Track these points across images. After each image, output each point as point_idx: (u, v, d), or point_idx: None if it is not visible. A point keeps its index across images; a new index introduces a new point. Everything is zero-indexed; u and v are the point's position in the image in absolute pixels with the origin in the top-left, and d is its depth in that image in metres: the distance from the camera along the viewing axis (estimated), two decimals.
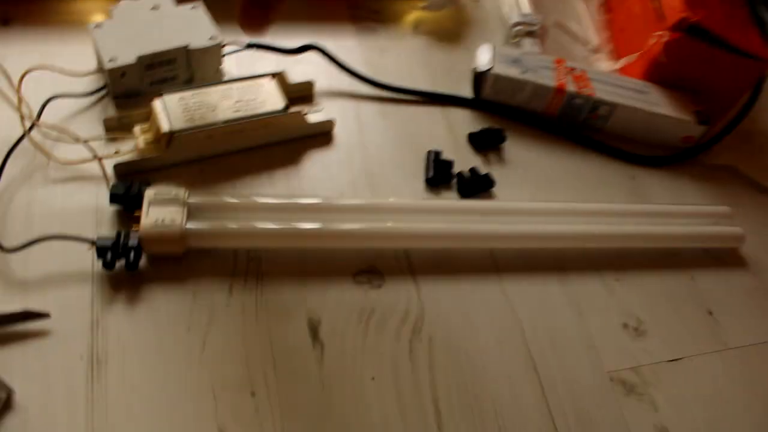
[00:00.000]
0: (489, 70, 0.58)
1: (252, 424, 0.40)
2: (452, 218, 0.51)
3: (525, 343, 0.47)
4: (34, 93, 0.50)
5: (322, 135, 0.55)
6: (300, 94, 0.56)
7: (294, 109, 0.52)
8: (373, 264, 0.49)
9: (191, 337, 0.43)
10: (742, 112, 0.61)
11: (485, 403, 0.44)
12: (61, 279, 0.44)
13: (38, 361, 0.40)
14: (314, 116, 0.54)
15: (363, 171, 0.54)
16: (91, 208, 0.47)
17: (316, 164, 0.53)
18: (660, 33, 0.59)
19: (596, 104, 0.59)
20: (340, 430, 0.41)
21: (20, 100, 0.48)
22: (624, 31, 0.67)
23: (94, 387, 0.40)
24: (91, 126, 0.51)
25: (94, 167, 0.48)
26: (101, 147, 0.49)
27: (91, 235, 0.44)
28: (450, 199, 0.53)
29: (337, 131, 0.56)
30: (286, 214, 0.47)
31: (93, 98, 0.53)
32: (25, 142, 0.48)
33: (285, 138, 0.53)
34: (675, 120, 0.59)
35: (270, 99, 0.51)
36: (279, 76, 0.53)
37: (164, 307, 0.44)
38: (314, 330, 0.45)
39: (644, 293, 0.52)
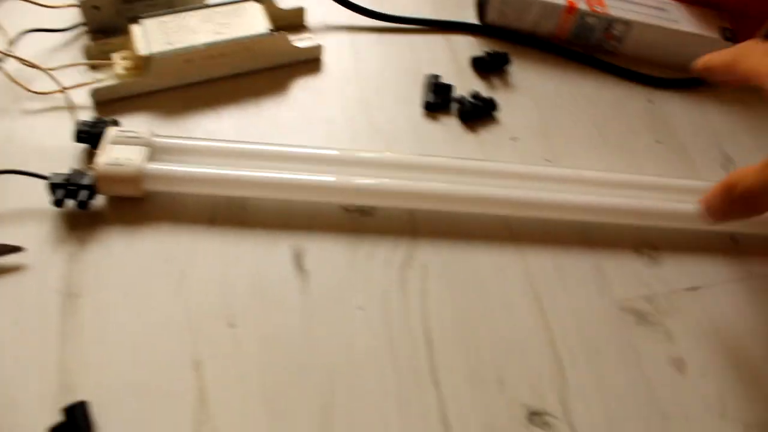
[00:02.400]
0: None
1: (229, 356, 0.36)
2: (457, 179, 0.43)
3: (527, 271, 0.42)
4: (13, 27, 0.47)
5: (311, 61, 0.50)
6: (291, 21, 0.51)
7: (278, 32, 0.46)
8: None
9: (169, 269, 0.39)
10: None
11: (481, 332, 0.39)
12: (40, 214, 0.40)
13: (11, 297, 0.37)
14: (302, 41, 0.49)
15: (357, 98, 0.49)
16: (72, 142, 0.44)
17: (306, 92, 0.48)
18: None
19: (610, 23, 0.52)
20: (322, 362, 0.37)
21: None
22: None
23: (69, 320, 0.36)
24: (71, 59, 0.47)
25: (73, 99, 0.44)
26: (83, 76, 0.45)
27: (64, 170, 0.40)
28: (449, 126, 0.48)
29: (331, 60, 0.51)
30: (263, 162, 0.42)
31: (74, 34, 0.48)
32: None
33: (271, 64, 0.48)
34: (698, 37, 0.52)
35: (254, 22, 0.46)
36: (265, 0, 0.48)
37: (143, 239, 0.40)
38: (299, 259, 0.40)
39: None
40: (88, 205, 0.40)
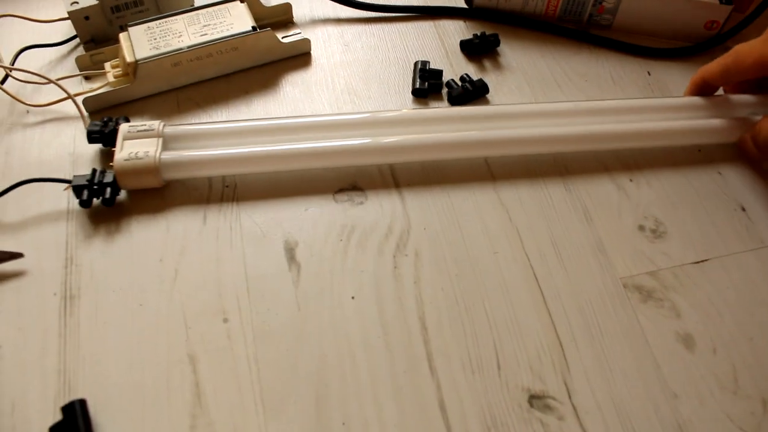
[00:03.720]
0: None
1: (223, 350, 0.36)
2: (438, 128, 0.44)
3: (523, 251, 0.40)
4: (9, 46, 0.48)
5: (300, 56, 0.49)
6: (279, 18, 0.51)
7: (264, 30, 0.46)
8: (354, 182, 0.43)
9: (164, 268, 0.39)
10: None
11: (478, 316, 0.38)
12: (36, 220, 0.41)
13: (12, 300, 0.37)
14: (290, 37, 0.48)
15: (346, 89, 0.48)
16: (71, 148, 0.44)
17: (296, 86, 0.48)
18: None
19: None
20: (316, 352, 0.36)
21: None
22: None
23: (67, 322, 0.37)
24: (67, 71, 0.48)
25: (71, 108, 0.45)
26: (77, 86, 0.46)
27: (72, 174, 0.41)
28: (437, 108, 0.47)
29: (320, 53, 0.50)
30: (262, 137, 0.42)
31: (68, 47, 0.49)
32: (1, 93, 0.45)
33: (260, 62, 0.48)
34: (693, 3, 0.50)
35: (238, 22, 0.46)
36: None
37: (137, 240, 0.40)
38: (291, 252, 0.40)
39: (663, 191, 0.44)
40: (114, 201, 0.41)
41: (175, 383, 0.35)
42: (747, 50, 0.41)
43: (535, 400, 0.35)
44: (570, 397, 0.35)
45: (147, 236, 0.40)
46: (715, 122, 0.45)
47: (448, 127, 0.44)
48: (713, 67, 0.44)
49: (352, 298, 0.38)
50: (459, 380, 0.35)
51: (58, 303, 0.38)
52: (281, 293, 0.38)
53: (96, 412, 0.34)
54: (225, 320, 0.37)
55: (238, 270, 0.39)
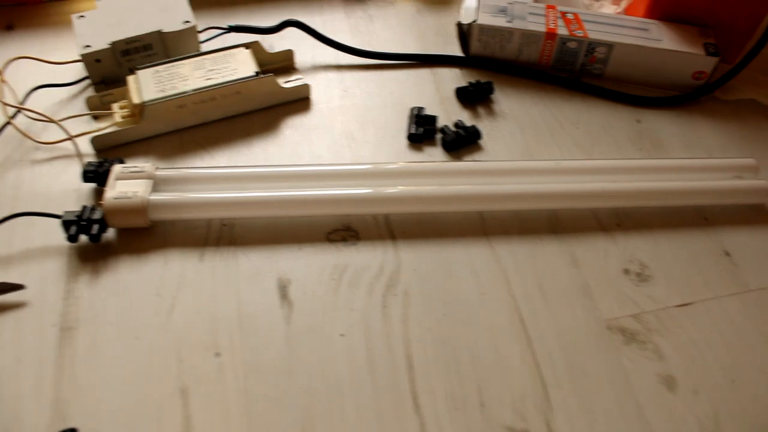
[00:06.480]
0: (473, 21, 0.54)
1: (215, 383, 0.38)
2: (434, 180, 0.46)
3: (510, 293, 0.42)
4: (24, 85, 0.52)
5: (300, 101, 0.53)
6: (281, 64, 0.54)
7: (266, 75, 0.50)
8: (348, 223, 0.46)
9: (160, 302, 0.41)
10: (762, 40, 0.53)
11: (463, 356, 0.40)
12: (40, 253, 0.44)
13: (12, 331, 0.40)
14: (291, 82, 0.52)
15: (343, 134, 0.51)
16: (77, 185, 0.47)
17: (296, 130, 0.51)
18: None
19: (592, 46, 0.54)
20: (305, 388, 0.38)
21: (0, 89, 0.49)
22: None
23: (64, 353, 0.39)
24: (78, 110, 0.51)
25: (77, 147, 0.48)
26: (85, 126, 0.50)
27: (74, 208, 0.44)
28: (433, 157, 0.50)
29: (319, 98, 0.54)
30: (253, 183, 0.45)
31: (79, 87, 0.53)
32: (11, 129, 0.49)
33: (261, 105, 0.51)
34: (681, 54, 0.53)
35: (242, 67, 0.49)
36: (253, 46, 0.51)
37: (136, 275, 0.43)
38: (284, 290, 0.42)
39: (649, 235, 0.46)
40: (100, 238, 0.43)
41: (166, 415, 0.37)
42: None
43: None
44: None
45: (146, 271, 0.43)
46: (710, 184, 0.47)
47: (444, 180, 0.46)
48: None
49: (342, 335, 0.40)
50: (442, 417, 0.37)
51: (56, 334, 0.40)
52: (273, 329, 0.40)
53: None
54: (217, 354, 0.39)
55: (232, 306, 0.41)
